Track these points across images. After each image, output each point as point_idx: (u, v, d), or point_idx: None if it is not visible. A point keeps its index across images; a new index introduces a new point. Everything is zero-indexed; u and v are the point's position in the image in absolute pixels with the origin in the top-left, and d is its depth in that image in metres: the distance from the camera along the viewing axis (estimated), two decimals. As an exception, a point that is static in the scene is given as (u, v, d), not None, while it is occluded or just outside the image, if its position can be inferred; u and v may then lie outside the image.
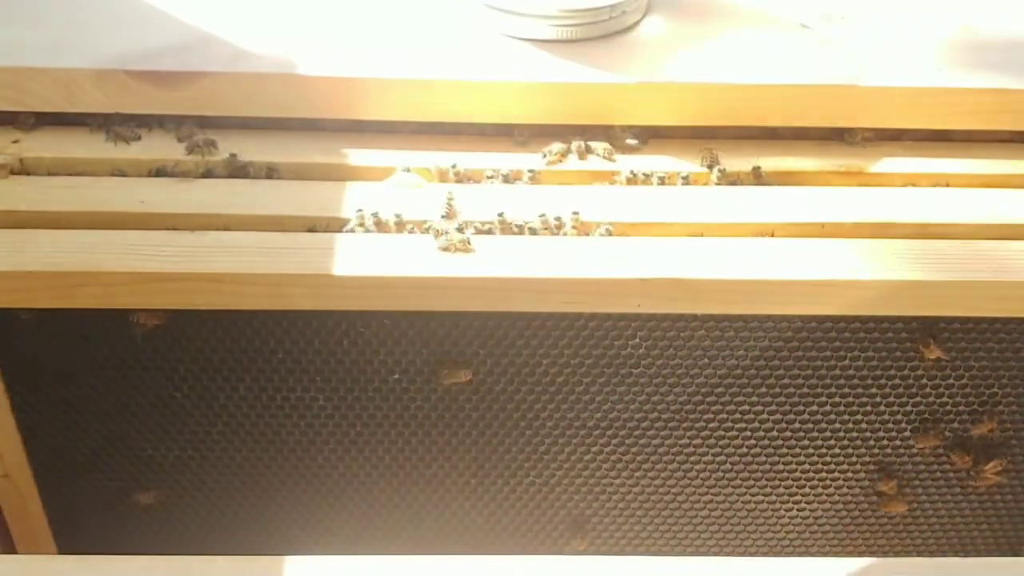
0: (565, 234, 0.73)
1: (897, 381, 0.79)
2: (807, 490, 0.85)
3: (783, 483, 0.85)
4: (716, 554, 0.89)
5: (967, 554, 0.90)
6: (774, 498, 0.86)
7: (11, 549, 0.87)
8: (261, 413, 0.79)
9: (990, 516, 0.87)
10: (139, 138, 0.77)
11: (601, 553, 0.89)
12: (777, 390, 0.79)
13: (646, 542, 0.89)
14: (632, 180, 0.77)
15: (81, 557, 0.61)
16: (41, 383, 0.78)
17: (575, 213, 0.73)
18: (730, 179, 0.77)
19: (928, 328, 0.76)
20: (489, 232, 0.72)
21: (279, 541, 0.88)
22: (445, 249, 0.70)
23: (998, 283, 0.70)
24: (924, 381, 0.79)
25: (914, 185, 0.78)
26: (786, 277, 0.70)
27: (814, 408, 0.80)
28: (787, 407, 0.80)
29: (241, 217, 0.72)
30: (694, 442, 0.82)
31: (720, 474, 0.84)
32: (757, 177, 0.77)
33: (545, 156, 0.77)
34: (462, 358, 0.76)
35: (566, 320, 0.75)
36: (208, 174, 0.76)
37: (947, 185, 0.78)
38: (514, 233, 0.73)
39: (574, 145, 0.78)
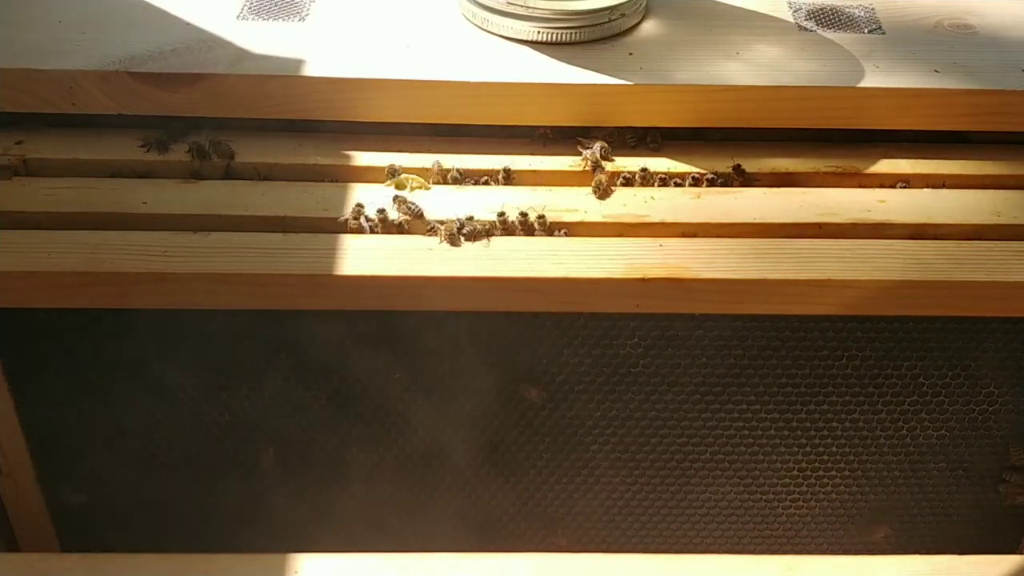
0: (564, 234, 0.73)
1: (895, 380, 0.79)
2: (805, 488, 0.86)
3: (781, 482, 0.85)
4: (714, 551, 0.90)
5: (966, 552, 0.90)
6: (772, 496, 0.86)
7: (14, 547, 0.87)
8: (263, 412, 0.80)
9: (987, 514, 0.88)
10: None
11: (600, 551, 0.90)
12: (775, 390, 0.79)
13: (644, 540, 0.89)
14: (631, 181, 0.77)
15: (84, 555, 0.62)
16: (44, 382, 0.78)
17: (574, 213, 0.73)
18: (728, 179, 0.78)
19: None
20: (489, 232, 0.72)
21: (281, 538, 0.88)
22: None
23: (994, 283, 0.71)
24: (921, 380, 0.79)
25: (911, 185, 0.78)
26: (784, 277, 0.70)
27: (812, 407, 0.80)
28: (784, 407, 0.80)
29: (242, 218, 0.73)
30: (692, 441, 0.82)
31: (718, 472, 0.84)
32: (755, 177, 0.78)
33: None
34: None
35: (566, 320, 0.75)
36: (210, 175, 0.76)
37: (943, 186, 0.78)
38: (513, 233, 0.73)
39: (588, 152, 0.78)
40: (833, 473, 0.85)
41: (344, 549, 0.67)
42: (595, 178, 0.76)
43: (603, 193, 0.75)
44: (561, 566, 0.62)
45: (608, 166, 0.77)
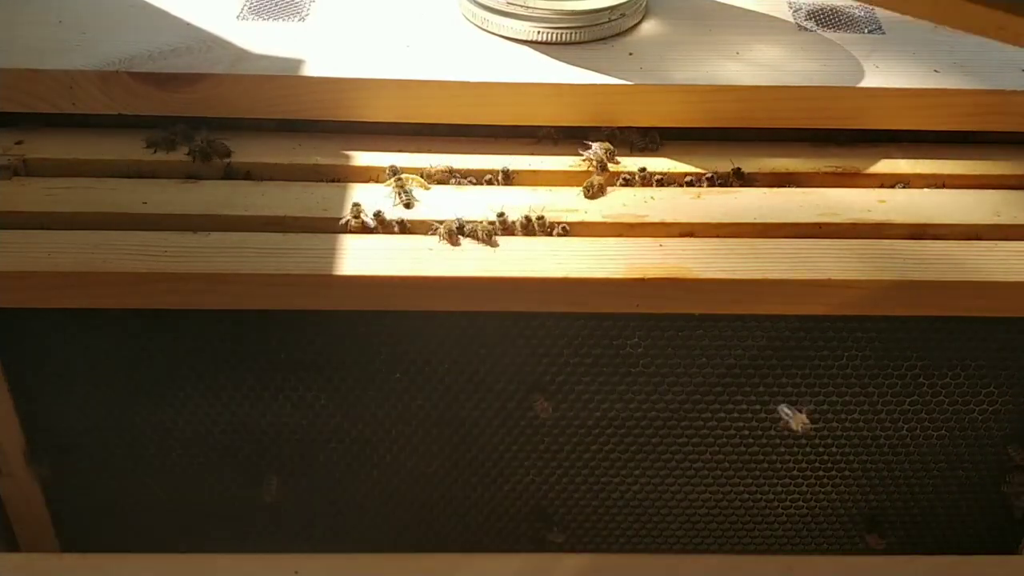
0: (563, 234, 0.73)
1: (894, 380, 0.79)
2: (805, 488, 0.86)
3: (781, 482, 0.85)
4: (714, 551, 0.90)
5: (965, 552, 0.90)
6: (772, 496, 0.86)
7: (14, 547, 0.87)
8: (263, 412, 0.80)
9: (987, 514, 0.88)
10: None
11: (601, 551, 0.90)
12: (775, 389, 0.79)
13: (645, 540, 0.89)
14: (630, 181, 0.77)
15: (84, 555, 0.62)
16: (44, 382, 0.78)
17: (574, 213, 0.73)
18: (728, 179, 0.78)
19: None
20: (489, 232, 0.72)
21: (281, 538, 0.88)
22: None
23: (994, 283, 0.71)
24: (921, 380, 0.79)
25: (911, 185, 0.78)
26: (784, 277, 0.70)
27: (811, 407, 0.80)
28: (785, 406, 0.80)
29: (242, 218, 0.73)
30: (692, 440, 0.82)
31: (718, 472, 0.84)
32: (754, 178, 0.78)
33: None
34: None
35: (566, 320, 0.75)
36: (209, 175, 0.76)
37: (943, 186, 0.78)
38: (513, 233, 0.73)
39: (589, 153, 0.78)
40: (833, 473, 0.84)
41: (344, 549, 0.67)
42: (588, 179, 0.76)
43: (595, 194, 0.75)
44: (561, 566, 0.62)
45: (609, 167, 0.77)
